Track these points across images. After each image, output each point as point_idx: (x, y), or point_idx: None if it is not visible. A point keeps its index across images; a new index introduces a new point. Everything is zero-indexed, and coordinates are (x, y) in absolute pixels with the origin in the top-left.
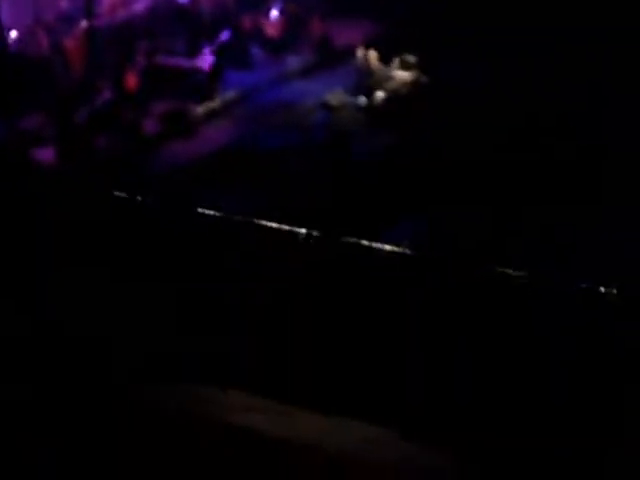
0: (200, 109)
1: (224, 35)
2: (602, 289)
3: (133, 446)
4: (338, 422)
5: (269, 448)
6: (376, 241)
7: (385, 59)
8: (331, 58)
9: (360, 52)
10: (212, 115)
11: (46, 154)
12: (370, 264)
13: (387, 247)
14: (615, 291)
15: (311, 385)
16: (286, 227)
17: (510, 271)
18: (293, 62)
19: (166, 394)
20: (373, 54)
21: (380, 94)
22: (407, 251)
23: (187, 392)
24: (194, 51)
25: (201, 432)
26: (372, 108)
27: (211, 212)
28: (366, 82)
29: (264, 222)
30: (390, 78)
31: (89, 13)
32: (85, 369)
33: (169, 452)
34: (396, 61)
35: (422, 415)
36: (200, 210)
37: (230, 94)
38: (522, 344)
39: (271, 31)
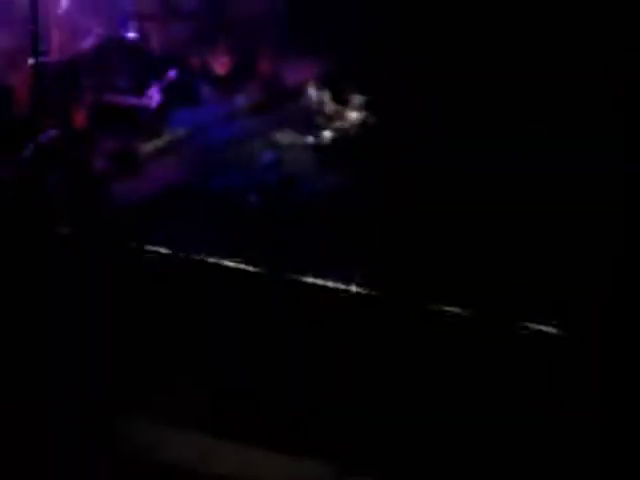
0: (148, 147)
1: (172, 73)
2: None
3: None
4: (265, 456)
5: None
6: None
7: (335, 98)
8: (280, 97)
9: (311, 91)
10: (160, 153)
11: None
12: (318, 302)
13: (333, 285)
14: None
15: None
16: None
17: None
18: (242, 100)
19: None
20: (325, 93)
21: (328, 134)
22: (357, 290)
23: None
24: (142, 89)
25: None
26: (320, 148)
27: (160, 249)
28: (315, 121)
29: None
30: (339, 118)
31: (35, 50)
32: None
33: None
34: (352, 100)
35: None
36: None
37: (178, 132)
38: None
39: (219, 69)
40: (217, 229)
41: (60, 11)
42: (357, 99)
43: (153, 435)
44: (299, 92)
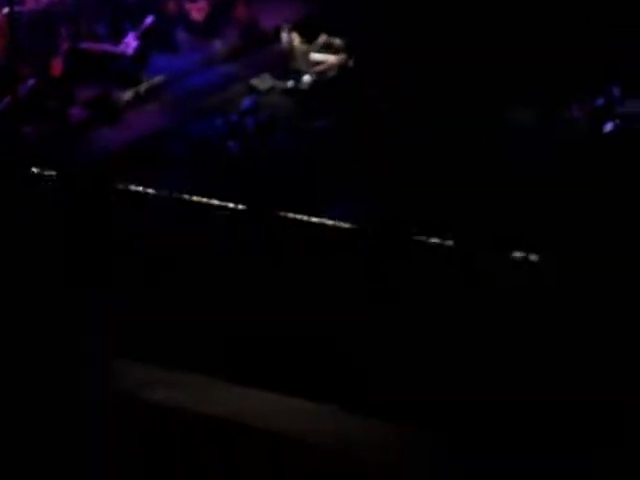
0: (126, 94)
1: (148, 19)
2: None
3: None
4: (257, 395)
5: (189, 424)
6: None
7: (311, 41)
8: (257, 41)
9: (285, 34)
10: (138, 100)
11: None
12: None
13: (329, 222)
14: None
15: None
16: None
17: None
18: (219, 46)
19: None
20: (297, 36)
21: (307, 77)
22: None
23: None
24: (118, 36)
25: (117, 409)
26: (299, 91)
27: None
28: (293, 65)
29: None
30: (317, 61)
31: None
32: None
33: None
34: (319, 42)
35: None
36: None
37: (156, 79)
38: None
39: (196, 15)
40: (196, 176)
41: None
42: (334, 42)
43: (147, 375)
44: (276, 36)
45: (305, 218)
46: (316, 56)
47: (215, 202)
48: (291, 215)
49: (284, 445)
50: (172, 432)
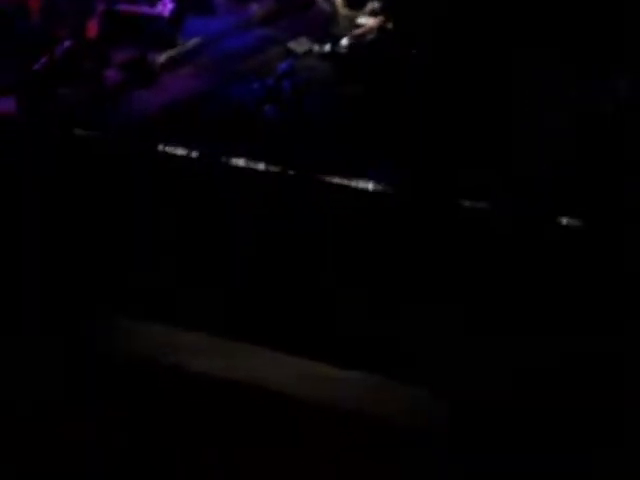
0: (162, 57)
1: None
2: None
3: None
4: (281, 359)
5: (210, 390)
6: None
7: (352, 4)
8: (295, 4)
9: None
10: (174, 63)
11: (6, 104)
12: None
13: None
14: None
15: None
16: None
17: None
18: (256, 8)
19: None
20: (340, 1)
21: (345, 41)
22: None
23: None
24: None
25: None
26: (337, 55)
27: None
28: (331, 29)
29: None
30: (356, 24)
31: None
32: None
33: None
34: (367, 7)
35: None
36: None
37: (192, 41)
38: None
39: None
40: (233, 139)
41: None
42: (373, 5)
43: (163, 338)
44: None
45: (341, 182)
46: (360, 20)
47: (260, 166)
48: (328, 179)
49: (308, 411)
50: (193, 395)
